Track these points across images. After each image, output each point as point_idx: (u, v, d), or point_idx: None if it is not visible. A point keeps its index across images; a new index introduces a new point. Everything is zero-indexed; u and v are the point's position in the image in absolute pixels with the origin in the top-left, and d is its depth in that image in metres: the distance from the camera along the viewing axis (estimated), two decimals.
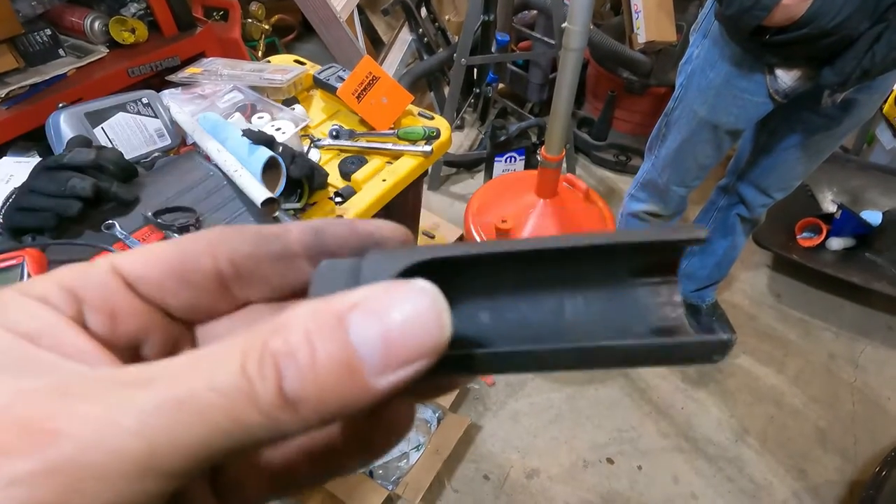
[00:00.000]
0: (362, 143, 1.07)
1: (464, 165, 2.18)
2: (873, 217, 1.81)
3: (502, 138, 1.91)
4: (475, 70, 2.26)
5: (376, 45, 2.46)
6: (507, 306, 0.17)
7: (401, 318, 0.13)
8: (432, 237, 1.54)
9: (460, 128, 2.40)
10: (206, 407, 0.12)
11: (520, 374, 0.19)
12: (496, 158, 1.96)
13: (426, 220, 1.79)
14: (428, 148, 1.05)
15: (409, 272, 0.16)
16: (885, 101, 2.01)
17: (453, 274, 0.17)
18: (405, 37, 2.32)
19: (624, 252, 0.16)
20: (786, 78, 1.06)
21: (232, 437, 0.12)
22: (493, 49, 2.13)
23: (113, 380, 0.13)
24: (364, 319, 0.13)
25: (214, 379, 0.12)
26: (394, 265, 0.16)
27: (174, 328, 0.17)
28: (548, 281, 0.17)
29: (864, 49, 0.92)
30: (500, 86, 2.40)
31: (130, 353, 0.16)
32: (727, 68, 1.10)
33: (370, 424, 0.17)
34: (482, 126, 2.38)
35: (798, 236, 1.83)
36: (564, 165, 2.08)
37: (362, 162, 1.02)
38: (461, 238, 1.68)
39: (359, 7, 2.33)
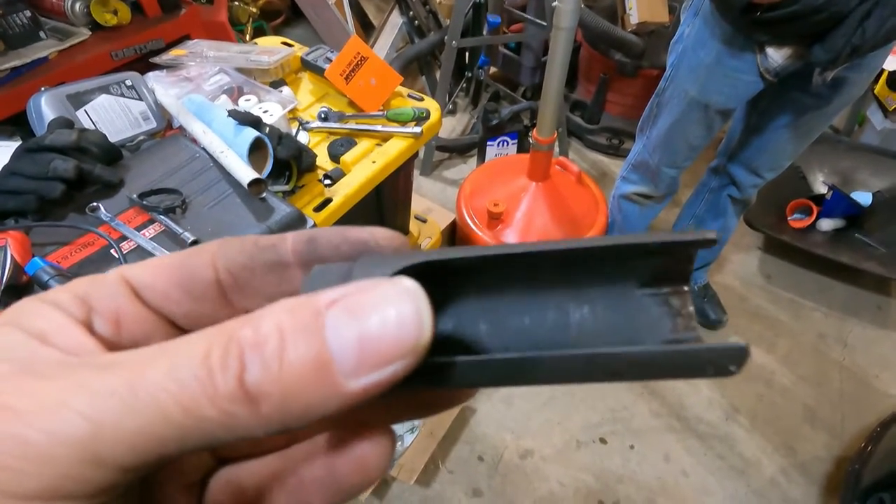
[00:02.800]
0: (351, 125, 1.06)
1: (456, 150, 2.16)
2: (863, 198, 1.83)
3: (494, 122, 1.90)
4: (467, 53, 2.24)
5: (366, 29, 2.42)
6: (507, 314, 0.16)
7: (380, 316, 0.12)
8: (424, 221, 1.54)
9: (452, 112, 2.38)
10: (159, 395, 0.11)
11: (514, 386, 0.16)
12: (488, 142, 1.94)
13: (418, 204, 1.78)
14: (418, 129, 1.04)
15: (405, 274, 0.15)
16: (877, 82, 2.01)
17: (450, 280, 0.16)
18: (395, 20, 2.29)
19: (632, 257, 0.15)
20: (776, 56, 1.05)
21: (184, 431, 0.11)
22: (484, 31, 2.11)
23: (81, 364, 0.12)
24: (340, 317, 0.12)
25: (173, 367, 0.12)
26: (384, 269, 0.15)
27: (178, 335, 0.18)
28: (552, 289, 0.16)
29: (854, 26, 0.92)
30: (492, 69, 2.37)
31: None
32: (718, 47, 1.09)
33: (341, 459, 0.16)
34: (474, 110, 2.36)
35: (789, 217, 1.84)
36: (557, 149, 2.07)
37: (351, 144, 1.01)
38: (454, 223, 1.68)
39: None
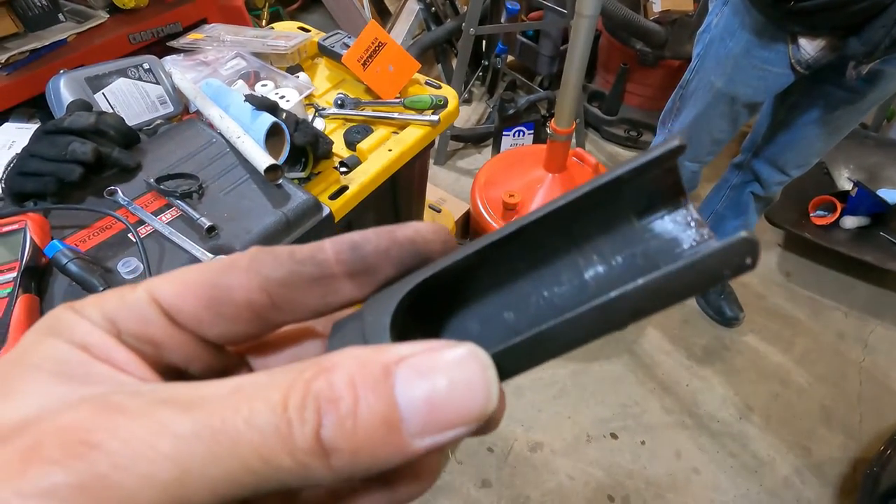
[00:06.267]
0: (368, 112, 1.05)
1: (471, 140, 2.14)
2: (890, 195, 1.77)
3: (511, 112, 1.87)
4: (484, 41, 2.20)
5: (383, 16, 2.39)
6: (525, 294, 0.16)
7: (447, 381, 0.12)
8: (439, 211, 1.53)
9: (468, 101, 2.36)
10: (240, 442, 0.12)
11: (551, 358, 0.15)
12: (504, 132, 1.92)
13: (433, 194, 1.76)
14: (435, 117, 1.02)
15: (412, 298, 0.15)
16: None
17: (460, 283, 0.16)
18: (412, 6, 2.26)
19: (617, 195, 0.15)
20: (809, 48, 1.01)
21: (258, 477, 0.12)
22: (502, 19, 2.07)
23: (158, 398, 0.13)
24: (410, 376, 0.12)
25: (253, 413, 0.12)
26: (389, 303, 0.15)
27: (221, 355, 0.17)
28: (558, 253, 0.16)
29: (895, 17, 0.88)
30: (510, 58, 2.34)
31: (176, 375, 0.16)
32: (748, 37, 1.06)
33: (397, 471, 0.16)
34: (490, 99, 2.33)
35: (811, 214, 1.79)
36: (574, 140, 2.04)
37: (368, 131, 1.00)
38: (467, 213, 1.67)
39: None
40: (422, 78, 1.13)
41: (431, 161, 2.14)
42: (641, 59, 2.00)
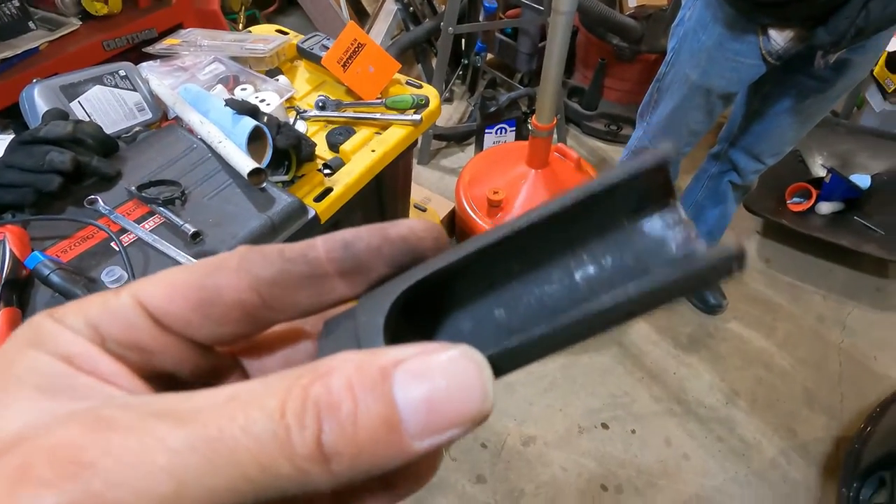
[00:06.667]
0: (350, 113, 1.05)
1: (454, 139, 2.15)
2: (862, 180, 1.83)
3: (492, 109, 1.88)
4: (463, 40, 2.21)
5: (361, 17, 2.39)
6: (518, 294, 0.16)
7: (446, 382, 0.12)
8: (424, 210, 1.53)
9: (449, 100, 2.36)
10: (239, 453, 0.11)
11: (541, 359, 0.16)
12: (486, 130, 1.93)
13: (417, 193, 1.77)
14: (417, 117, 1.03)
15: (406, 299, 0.15)
16: (876, 64, 2.00)
17: (453, 281, 0.16)
18: (390, 7, 2.25)
19: (607, 199, 0.15)
20: (779, 39, 1.04)
21: (258, 485, 0.12)
22: (480, 17, 2.08)
23: (150, 411, 0.12)
24: (408, 379, 0.12)
25: (250, 421, 0.12)
26: (383, 303, 0.15)
27: (211, 356, 0.17)
28: (551, 254, 0.16)
29: (858, 7, 0.91)
30: (489, 56, 2.35)
31: (165, 380, 0.16)
32: (720, 30, 1.08)
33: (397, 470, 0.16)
34: (471, 98, 2.34)
35: (788, 201, 1.84)
36: (556, 135, 2.06)
37: (350, 133, 1.00)
38: (453, 211, 1.67)
39: None
40: (403, 78, 1.14)
41: (415, 160, 2.14)
42: (618, 54, 2.03)
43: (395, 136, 1.01)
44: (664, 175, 0.15)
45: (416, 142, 1.11)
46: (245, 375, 0.18)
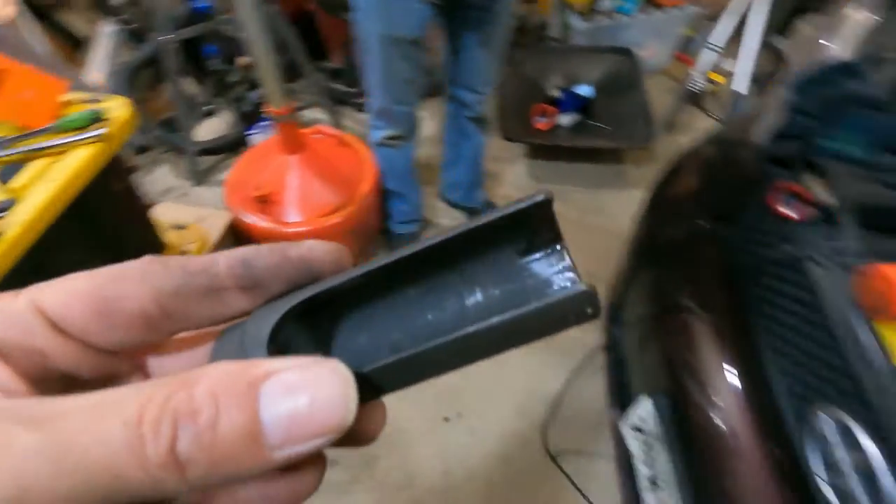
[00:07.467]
0: (23, 147, 0.94)
1: (222, 150, 2.06)
2: (587, 91, 2.15)
3: (246, 110, 1.83)
4: (200, 48, 2.10)
5: (76, 47, 2.13)
6: (413, 315, 0.17)
7: (311, 397, 0.13)
8: (184, 227, 1.45)
9: (211, 113, 2.24)
10: (88, 460, 0.11)
11: (431, 377, 0.17)
12: (248, 132, 1.88)
13: (192, 214, 1.66)
14: (100, 131, 0.96)
15: (302, 309, 0.16)
16: None
17: (355, 299, 0.17)
18: (106, 28, 2.05)
19: (491, 234, 0.16)
20: None
21: (110, 492, 0.12)
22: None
23: (10, 414, 0.12)
24: (276, 392, 0.13)
25: (104, 429, 0.12)
26: (271, 317, 0.16)
27: (112, 357, 0.17)
28: (447, 279, 0.17)
29: None
30: (245, 59, 2.27)
31: (66, 381, 0.16)
32: None
33: (273, 484, 0.16)
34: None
35: (534, 123, 2.09)
36: (332, 120, 2.08)
37: (17, 168, 0.90)
38: (231, 223, 1.61)
39: (43, 8, 1.99)
40: (82, 95, 1.05)
41: (191, 183, 2.01)
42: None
43: (78, 159, 0.93)
44: (549, 219, 0.17)
45: (117, 159, 1.03)
46: (147, 376, 0.18)
